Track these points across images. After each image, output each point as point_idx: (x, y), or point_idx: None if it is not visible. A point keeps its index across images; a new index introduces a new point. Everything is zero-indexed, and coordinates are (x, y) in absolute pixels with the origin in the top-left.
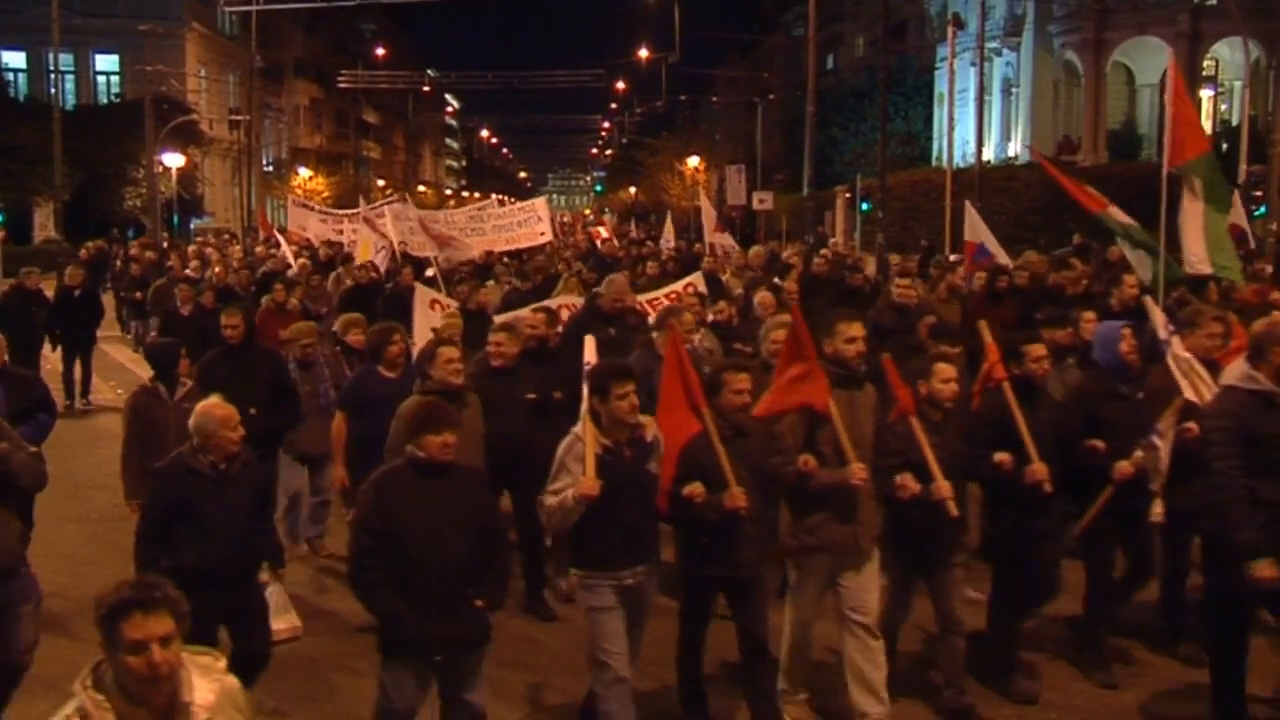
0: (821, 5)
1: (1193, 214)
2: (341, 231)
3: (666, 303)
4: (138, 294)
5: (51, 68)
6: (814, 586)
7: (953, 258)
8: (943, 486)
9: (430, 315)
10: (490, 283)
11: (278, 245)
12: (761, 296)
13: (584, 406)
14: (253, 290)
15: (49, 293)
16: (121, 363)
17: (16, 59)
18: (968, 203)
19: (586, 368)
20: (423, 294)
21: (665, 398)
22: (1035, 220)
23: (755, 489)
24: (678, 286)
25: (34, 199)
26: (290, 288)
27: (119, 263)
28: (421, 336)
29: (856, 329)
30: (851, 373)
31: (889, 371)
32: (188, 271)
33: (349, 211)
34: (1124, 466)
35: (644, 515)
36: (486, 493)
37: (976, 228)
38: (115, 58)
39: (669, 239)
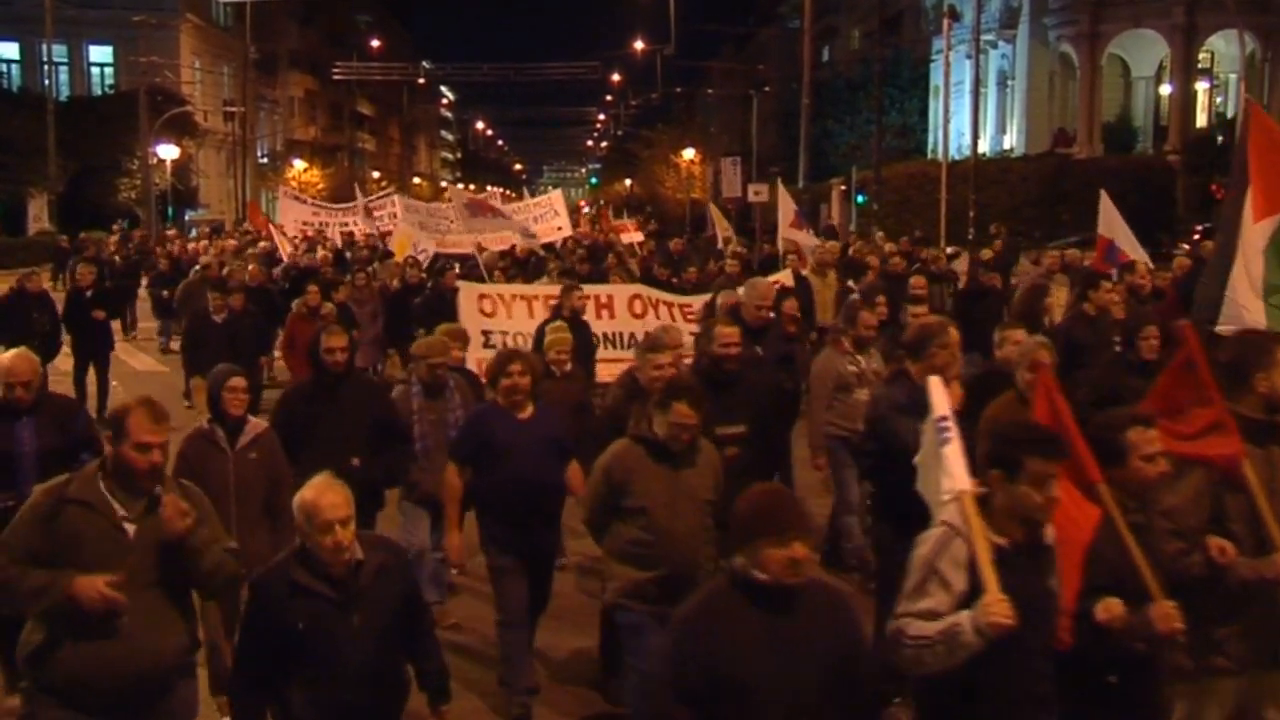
0: None
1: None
2: (327, 225)
3: None
4: (165, 291)
5: (45, 59)
6: None
7: (949, 251)
8: None
9: (477, 316)
10: (544, 278)
11: (270, 238)
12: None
13: (947, 485)
14: (285, 289)
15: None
16: (122, 359)
17: (10, 50)
18: (1103, 193)
19: (941, 426)
20: (468, 292)
21: None
22: (1030, 213)
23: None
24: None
25: (28, 191)
26: (327, 289)
27: (118, 259)
28: (474, 343)
29: None
30: (1277, 422)
31: None
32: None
33: (346, 205)
34: None
35: (1048, 656)
36: (850, 616)
37: (1112, 222)
38: (109, 49)
39: (725, 234)
